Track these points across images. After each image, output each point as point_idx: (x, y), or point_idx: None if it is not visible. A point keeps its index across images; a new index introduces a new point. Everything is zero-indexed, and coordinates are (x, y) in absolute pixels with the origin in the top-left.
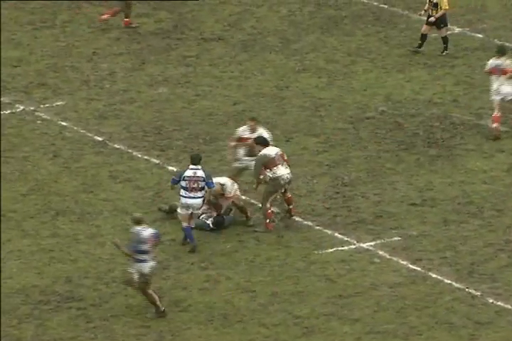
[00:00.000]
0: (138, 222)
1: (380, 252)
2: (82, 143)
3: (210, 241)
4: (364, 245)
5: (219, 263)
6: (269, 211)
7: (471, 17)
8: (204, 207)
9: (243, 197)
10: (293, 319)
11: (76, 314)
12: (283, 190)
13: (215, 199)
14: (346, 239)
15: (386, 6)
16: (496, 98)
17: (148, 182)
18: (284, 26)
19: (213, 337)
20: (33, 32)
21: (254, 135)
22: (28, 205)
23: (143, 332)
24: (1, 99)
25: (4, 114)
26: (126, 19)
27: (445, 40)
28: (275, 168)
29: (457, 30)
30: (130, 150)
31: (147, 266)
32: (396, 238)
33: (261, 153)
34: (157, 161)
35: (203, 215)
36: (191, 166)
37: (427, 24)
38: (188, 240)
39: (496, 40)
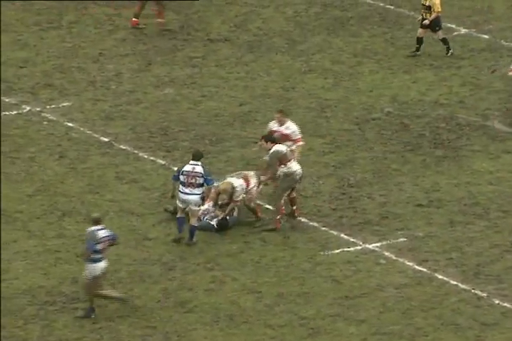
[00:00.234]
0: (96, 221)
1: (386, 253)
2: (89, 143)
3: (215, 242)
4: (370, 246)
5: (225, 264)
6: (283, 207)
7: (478, 18)
8: (208, 207)
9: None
10: (299, 320)
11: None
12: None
13: (227, 200)
14: (352, 240)
15: (392, 7)
16: None
17: (154, 183)
18: (290, 27)
19: (219, 337)
20: (40, 33)
21: (282, 128)
22: (34, 206)
23: (149, 333)
24: (8, 99)
25: (10, 114)
26: (134, 19)
27: (444, 41)
28: (289, 163)
29: (463, 31)
30: (136, 151)
31: (100, 267)
32: (402, 239)
33: (273, 149)
34: (163, 162)
35: (207, 216)
36: (191, 161)
37: (421, 27)
38: (178, 229)
39: (502, 41)
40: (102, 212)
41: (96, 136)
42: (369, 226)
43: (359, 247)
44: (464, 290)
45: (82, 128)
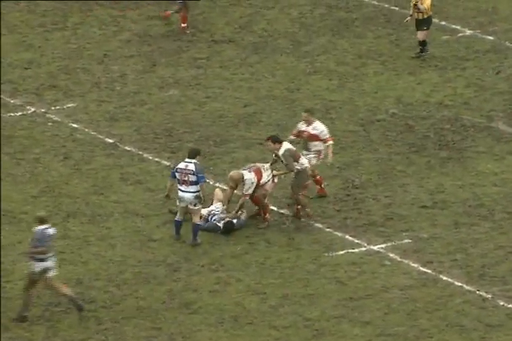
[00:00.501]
0: (42, 221)
1: (391, 255)
2: (93, 145)
3: (220, 244)
4: (375, 247)
5: (229, 265)
6: (306, 200)
7: (482, 19)
8: (214, 208)
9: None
10: (303, 321)
11: (87, 316)
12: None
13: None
14: (357, 241)
15: (397, 8)
16: None
17: (159, 184)
18: (294, 28)
19: (224, 339)
20: (45, 34)
21: (310, 128)
22: (39, 207)
23: (154, 334)
24: (13, 101)
25: (15, 115)
26: (166, 12)
27: (423, 43)
28: (300, 159)
29: (468, 32)
30: (141, 152)
31: (43, 266)
32: (407, 240)
33: (284, 149)
34: (168, 163)
35: (215, 217)
36: (186, 159)
37: (418, 30)
38: (175, 232)
39: (507, 42)
40: (107, 213)
41: (101, 137)
42: (374, 227)
43: (364, 248)
44: (469, 291)
45: (86, 130)
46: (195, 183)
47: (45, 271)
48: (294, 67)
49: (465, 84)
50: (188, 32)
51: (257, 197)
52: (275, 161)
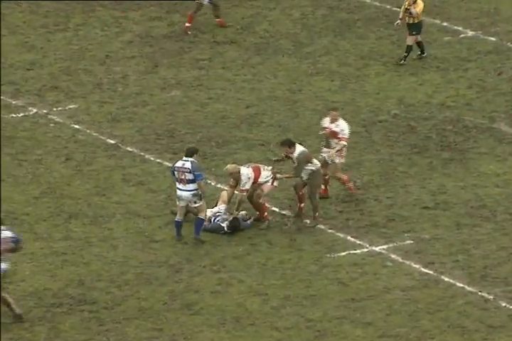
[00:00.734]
0: None
1: (393, 255)
2: (95, 146)
3: (222, 244)
4: (376, 248)
5: (231, 266)
6: (319, 202)
7: (484, 20)
8: (218, 209)
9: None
10: (305, 322)
11: (88, 317)
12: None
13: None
14: (359, 242)
15: (399, 9)
16: None
17: (161, 185)
18: (296, 29)
19: (225, 340)
20: (47, 35)
21: (333, 125)
22: (41, 208)
23: (155, 335)
24: (15, 102)
25: (17, 116)
26: (218, 19)
27: (409, 49)
28: (313, 160)
29: (470, 33)
30: (143, 153)
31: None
32: (408, 241)
33: (299, 152)
34: (170, 164)
35: (219, 218)
36: (183, 158)
37: (409, 34)
38: (176, 233)
39: (509, 43)
40: (109, 214)
41: (102, 138)
42: (375, 228)
43: (365, 249)
44: (471, 292)
45: (88, 131)
46: (193, 181)
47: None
48: (295, 68)
49: (467, 85)
50: (189, 33)
51: (256, 203)
52: (278, 161)
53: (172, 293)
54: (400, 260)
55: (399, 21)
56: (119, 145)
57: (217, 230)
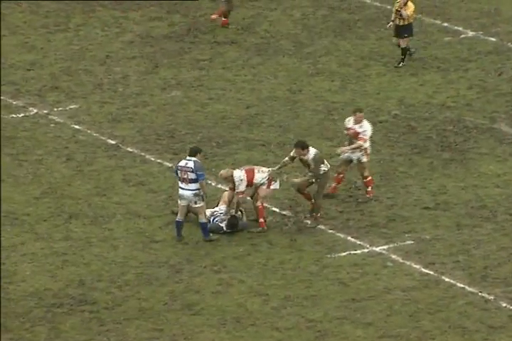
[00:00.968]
0: None
1: (393, 256)
2: (96, 146)
3: (222, 245)
4: (377, 249)
5: (232, 266)
6: (322, 206)
7: (485, 21)
8: (218, 209)
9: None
10: (306, 322)
11: (89, 317)
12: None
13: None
14: (359, 242)
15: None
16: None
17: (162, 185)
18: (297, 30)
19: (226, 340)
20: (47, 35)
21: (356, 126)
22: (41, 208)
23: (156, 336)
24: (15, 102)
25: (18, 117)
26: (224, 19)
27: (404, 51)
28: (325, 161)
29: (471, 33)
30: (143, 154)
31: None
32: (409, 242)
33: (314, 153)
34: (170, 164)
35: (217, 218)
36: (187, 157)
37: (395, 36)
38: (176, 233)
39: (509, 43)
40: (109, 215)
41: (103, 138)
42: (376, 228)
43: (366, 250)
44: (471, 293)
45: (89, 131)
46: (195, 181)
47: None
48: (296, 69)
49: (467, 85)
50: (229, 27)
51: (254, 206)
52: (285, 165)
53: (172, 293)
54: (401, 260)
55: (391, 23)
56: (120, 145)
57: (216, 230)
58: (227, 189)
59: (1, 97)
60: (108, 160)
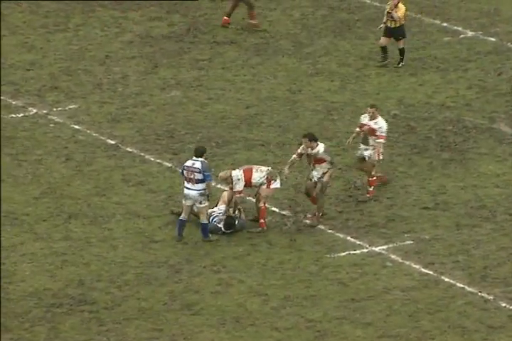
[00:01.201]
0: None
1: (393, 256)
2: (95, 146)
3: (222, 245)
4: (376, 249)
5: (231, 266)
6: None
7: (484, 21)
8: (216, 210)
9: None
10: (305, 322)
11: (88, 317)
12: None
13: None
14: (359, 242)
15: None
16: None
17: (161, 185)
18: (296, 30)
19: (226, 340)
20: (46, 35)
21: (371, 122)
22: (41, 208)
23: (155, 336)
24: (15, 102)
25: (17, 117)
26: (225, 17)
27: (402, 51)
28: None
29: (470, 33)
30: (143, 154)
31: None
32: (408, 242)
33: (323, 147)
34: (169, 165)
35: (216, 218)
36: (193, 157)
37: (384, 35)
38: (177, 232)
39: (508, 43)
40: (109, 215)
41: (102, 138)
42: (375, 228)
43: (365, 250)
44: (471, 293)
45: (88, 131)
46: (201, 181)
47: None
48: (295, 69)
49: (467, 85)
50: (260, 28)
51: (262, 209)
52: (293, 163)
53: (172, 293)
54: (400, 260)
55: (382, 25)
56: (119, 145)
57: (214, 231)
58: (226, 189)
59: (1, 97)
60: (107, 160)
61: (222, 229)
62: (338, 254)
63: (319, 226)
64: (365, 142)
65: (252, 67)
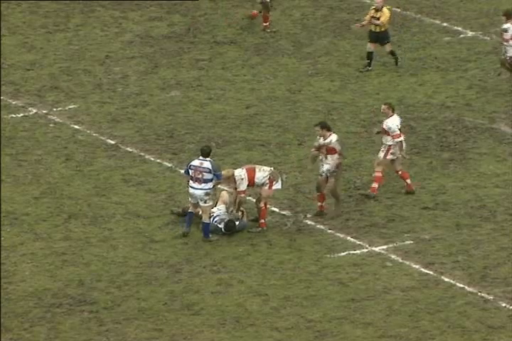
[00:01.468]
0: None
1: (393, 256)
2: (95, 146)
3: (222, 245)
4: (376, 249)
5: (231, 266)
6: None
7: (484, 21)
8: (216, 210)
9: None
10: (305, 322)
11: (88, 317)
12: None
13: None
14: (359, 242)
15: (399, 10)
16: None
17: (161, 185)
18: (296, 30)
19: (225, 340)
20: (46, 35)
21: (383, 123)
22: (41, 208)
23: (155, 336)
24: (15, 102)
25: (17, 117)
26: (253, 11)
27: (393, 53)
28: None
29: (470, 33)
30: (142, 154)
31: None
32: (408, 242)
33: (335, 138)
34: (169, 164)
35: (216, 218)
36: (200, 157)
37: (369, 41)
38: (185, 225)
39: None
40: (109, 215)
41: (102, 138)
42: (375, 228)
43: (365, 250)
44: (471, 293)
45: (88, 131)
46: (209, 181)
47: None
48: (295, 69)
49: (467, 85)
50: (269, 31)
51: (263, 210)
52: (314, 157)
53: (172, 293)
54: (400, 260)
55: (358, 25)
56: (119, 145)
57: (214, 231)
58: (225, 189)
59: (1, 97)
60: (107, 160)
61: (222, 230)
62: (338, 254)
63: (319, 226)
64: (381, 141)
65: (252, 67)
